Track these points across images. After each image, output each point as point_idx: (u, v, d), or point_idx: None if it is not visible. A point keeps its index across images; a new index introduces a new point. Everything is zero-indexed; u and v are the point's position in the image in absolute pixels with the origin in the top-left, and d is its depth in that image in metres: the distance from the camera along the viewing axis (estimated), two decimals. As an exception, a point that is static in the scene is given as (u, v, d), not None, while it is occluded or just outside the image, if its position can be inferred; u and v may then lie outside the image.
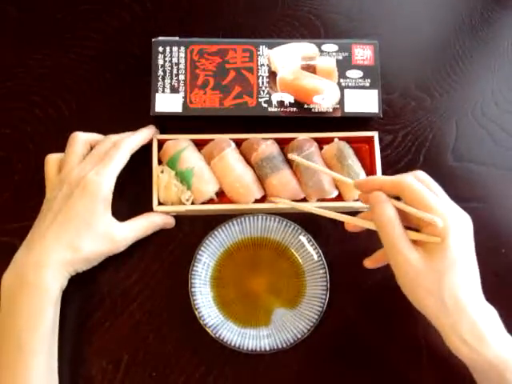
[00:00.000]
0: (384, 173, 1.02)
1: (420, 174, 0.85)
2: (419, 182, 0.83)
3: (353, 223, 0.89)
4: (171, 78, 1.01)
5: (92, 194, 0.91)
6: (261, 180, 0.98)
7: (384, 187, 0.84)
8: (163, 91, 1.01)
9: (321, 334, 0.97)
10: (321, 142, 1.03)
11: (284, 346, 0.95)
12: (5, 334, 0.87)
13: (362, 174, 1.00)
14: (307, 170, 1.00)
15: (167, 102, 1.00)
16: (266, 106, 1.01)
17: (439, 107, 1.09)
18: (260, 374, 0.97)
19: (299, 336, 0.95)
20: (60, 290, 0.91)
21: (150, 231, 0.98)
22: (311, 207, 0.93)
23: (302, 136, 1.02)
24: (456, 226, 0.80)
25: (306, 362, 0.98)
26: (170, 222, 1.00)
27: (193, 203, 0.99)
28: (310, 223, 1.00)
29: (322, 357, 0.98)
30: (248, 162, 1.01)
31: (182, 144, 1.00)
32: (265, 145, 0.96)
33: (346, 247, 1.01)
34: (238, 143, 1.02)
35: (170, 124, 1.02)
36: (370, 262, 0.94)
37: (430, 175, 1.00)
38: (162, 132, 1.02)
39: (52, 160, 0.97)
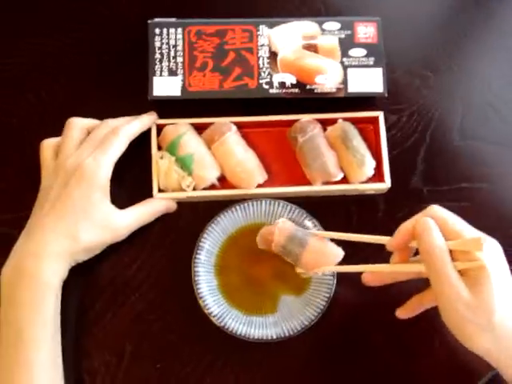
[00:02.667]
0: (390, 153, 1.00)
1: (437, 209, 0.81)
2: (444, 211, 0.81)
3: (375, 272, 0.89)
4: (169, 61, 0.99)
5: (89, 181, 0.90)
6: (296, 261, 0.93)
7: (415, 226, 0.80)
8: (161, 74, 0.99)
9: (329, 320, 0.96)
10: (324, 123, 1.01)
11: (291, 333, 0.94)
12: (5, 327, 0.85)
13: (367, 156, 0.99)
14: (311, 152, 0.98)
15: (165, 86, 0.99)
16: (267, 87, 0.99)
17: (444, 85, 1.07)
18: (267, 362, 0.96)
19: (306, 323, 0.94)
20: (60, 281, 0.90)
21: (152, 217, 0.97)
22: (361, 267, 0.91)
23: (304, 117, 1.00)
24: (491, 250, 0.77)
25: (314, 350, 0.97)
26: (172, 206, 0.99)
27: (194, 189, 0.98)
28: (314, 207, 0.99)
29: (331, 344, 0.97)
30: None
31: (181, 129, 0.98)
32: (278, 229, 0.93)
33: (352, 231, 0.99)
34: (239, 126, 1.00)
35: (168, 108, 1.00)
36: (403, 312, 0.90)
37: (437, 155, 1.01)
38: (161, 116, 1.00)
39: (48, 145, 0.95)
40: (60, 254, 0.89)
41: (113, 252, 0.96)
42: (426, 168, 1.04)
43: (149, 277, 0.98)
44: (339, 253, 0.92)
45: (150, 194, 0.98)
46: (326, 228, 0.96)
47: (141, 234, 0.98)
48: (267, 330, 0.95)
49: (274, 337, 0.94)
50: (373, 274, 0.89)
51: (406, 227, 0.82)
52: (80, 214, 0.90)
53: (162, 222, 1.00)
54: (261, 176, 0.99)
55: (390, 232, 0.86)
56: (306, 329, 0.94)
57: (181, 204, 1.00)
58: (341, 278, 0.96)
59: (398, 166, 1.02)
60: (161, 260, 0.99)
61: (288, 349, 0.96)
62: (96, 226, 0.91)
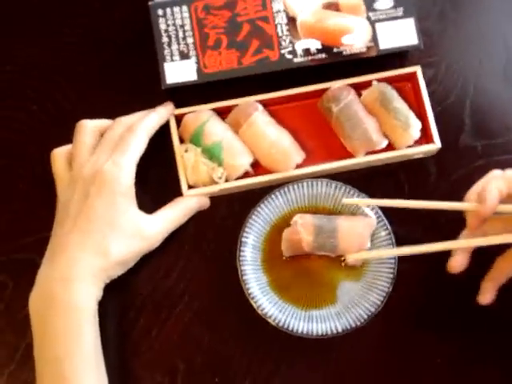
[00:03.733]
0: (434, 111, 0.91)
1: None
2: None
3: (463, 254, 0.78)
4: (178, 43, 0.90)
5: (111, 188, 0.81)
6: (334, 251, 0.87)
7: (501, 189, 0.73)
8: (172, 59, 0.89)
9: (396, 302, 0.87)
10: (358, 88, 0.92)
11: (357, 323, 0.85)
12: (43, 364, 0.77)
13: (411, 117, 0.90)
14: (349, 121, 0.89)
15: (179, 71, 0.89)
16: (290, 57, 0.90)
17: (482, 27, 0.97)
18: (335, 359, 0.87)
19: (372, 310, 0.85)
20: (96, 303, 0.81)
21: (185, 218, 0.88)
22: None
23: (336, 84, 0.91)
24: None
25: (384, 338, 0.88)
26: (205, 202, 0.90)
27: (226, 181, 0.89)
28: (361, 181, 0.90)
29: (402, 327, 0.88)
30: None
31: (203, 116, 0.89)
32: (301, 227, 0.86)
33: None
34: (266, 104, 0.91)
35: (185, 95, 0.91)
36: (486, 296, 0.80)
37: (485, 106, 0.93)
38: (178, 106, 0.91)
39: (59, 155, 0.86)
40: (91, 273, 0.80)
41: (147, 262, 0.88)
42: (475, 122, 0.94)
43: (190, 284, 0.89)
44: (371, 222, 0.86)
45: (178, 193, 0.89)
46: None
47: (175, 238, 0.89)
48: (330, 324, 0.86)
49: (339, 330, 0.85)
50: (462, 256, 0.78)
51: (493, 190, 0.73)
52: (107, 225, 0.81)
53: (196, 221, 0.91)
54: (298, 155, 0.89)
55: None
56: (372, 316, 0.85)
57: (214, 198, 0.91)
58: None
59: (444, 123, 0.93)
60: (200, 263, 0.90)
61: (357, 340, 0.87)
62: (126, 236, 0.81)
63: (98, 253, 0.80)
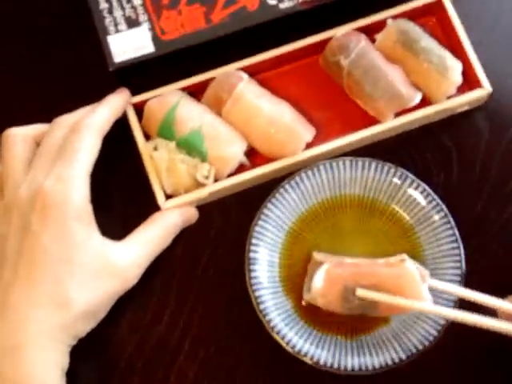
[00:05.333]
0: (474, 45, 0.69)
1: None
2: None
3: None
4: (122, 8, 0.68)
5: (59, 213, 0.60)
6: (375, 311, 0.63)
7: None
8: (117, 30, 0.68)
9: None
10: (369, 33, 0.71)
11: (424, 345, 0.62)
12: None
13: (448, 57, 0.68)
14: (367, 75, 0.68)
15: (128, 45, 0.68)
16: (274, 2, 0.68)
17: None
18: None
19: (442, 323, 0.63)
20: (61, 376, 0.60)
21: (168, 240, 0.66)
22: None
23: (340, 31, 0.70)
24: None
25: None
26: (191, 214, 0.68)
27: (216, 180, 0.66)
28: (393, 154, 0.70)
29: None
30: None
31: (170, 99, 0.67)
32: (323, 283, 0.62)
33: (455, 175, 0.70)
34: (252, 73, 0.69)
35: (141, 76, 0.70)
36: None
37: None
38: (135, 93, 0.70)
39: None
40: (48, 335, 0.59)
41: (127, 307, 0.67)
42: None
43: (189, 327, 0.67)
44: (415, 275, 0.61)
45: (154, 207, 0.67)
46: (423, 177, 0.67)
47: (159, 268, 0.68)
48: (388, 352, 0.63)
49: (403, 357, 0.62)
50: None
51: None
52: (60, 265, 0.59)
53: (184, 241, 0.69)
54: (307, 131, 0.68)
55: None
56: (440, 334, 0.63)
57: (204, 207, 0.70)
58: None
59: (490, 62, 0.71)
60: (199, 297, 0.68)
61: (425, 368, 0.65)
62: (90, 275, 0.60)
63: (53, 306, 0.59)
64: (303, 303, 0.65)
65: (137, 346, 0.66)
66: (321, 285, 0.61)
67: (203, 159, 0.66)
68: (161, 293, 0.68)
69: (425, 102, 0.69)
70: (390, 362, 0.62)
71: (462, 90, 0.70)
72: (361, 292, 0.60)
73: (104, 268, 0.60)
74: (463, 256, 0.64)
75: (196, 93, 0.70)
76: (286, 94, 0.70)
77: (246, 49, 0.70)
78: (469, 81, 0.70)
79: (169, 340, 0.66)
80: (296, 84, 0.72)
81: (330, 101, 0.71)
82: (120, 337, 0.67)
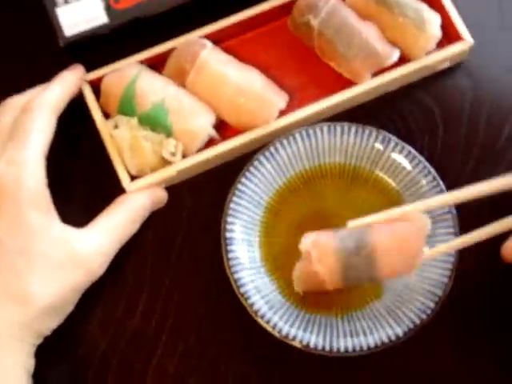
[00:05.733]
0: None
1: None
2: None
3: None
4: (70, -24, 0.62)
5: (13, 200, 0.55)
6: (375, 280, 0.58)
7: None
8: (65, 1, 0.63)
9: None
10: (339, -11, 0.65)
11: (421, 319, 0.58)
12: None
13: (424, 9, 0.64)
14: (339, 34, 0.63)
15: (79, 16, 0.63)
16: (233, -39, 0.63)
17: None
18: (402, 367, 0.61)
19: (439, 293, 0.58)
20: (27, 378, 0.54)
21: (136, 224, 0.61)
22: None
23: (307, -11, 0.64)
24: None
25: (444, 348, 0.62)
26: (160, 196, 0.63)
27: (184, 156, 0.61)
28: (374, 118, 0.66)
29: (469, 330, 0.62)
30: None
31: (129, 72, 0.63)
32: (316, 258, 0.56)
33: (449, 135, 0.66)
34: (216, 41, 0.64)
35: (96, 51, 0.65)
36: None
37: None
38: (89, 69, 0.64)
39: None
40: (8, 334, 0.53)
41: (96, 300, 0.62)
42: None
43: (166, 317, 0.61)
44: (423, 225, 0.56)
45: (119, 190, 0.61)
46: (406, 141, 0.62)
47: (129, 256, 0.63)
48: (384, 330, 0.58)
49: (400, 334, 0.57)
50: None
51: None
52: (17, 256, 0.54)
53: (155, 225, 0.64)
54: (280, 98, 0.63)
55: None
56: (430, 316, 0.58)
57: (173, 188, 0.64)
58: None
59: (470, 14, 0.66)
60: (174, 284, 0.63)
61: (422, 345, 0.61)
62: (52, 266, 0.55)
63: (12, 302, 0.54)
64: (296, 289, 0.59)
65: (110, 341, 0.61)
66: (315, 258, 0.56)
67: (168, 135, 0.61)
68: (133, 283, 0.62)
69: (403, 60, 0.65)
70: (385, 340, 0.58)
71: (441, 45, 0.65)
72: (352, 224, 0.55)
73: (66, 258, 0.55)
74: (456, 221, 0.60)
75: (157, 66, 0.65)
76: (254, 61, 0.65)
77: (208, 15, 0.65)
78: (448, 35, 0.66)
79: (145, 333, 0.61)
80: (264, 50, 0.67)
81: (301, 65, 0.67)
82: (92, 333, 0.61)
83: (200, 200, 0.64)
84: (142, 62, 0.64)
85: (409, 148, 0.61)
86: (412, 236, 0.55)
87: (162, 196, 0.63)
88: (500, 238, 0.55)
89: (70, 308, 0.57)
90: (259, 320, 0.58)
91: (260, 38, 0.67)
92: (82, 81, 0.63)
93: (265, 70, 0.65)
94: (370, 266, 0.55)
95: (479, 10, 0.69)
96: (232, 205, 0.60)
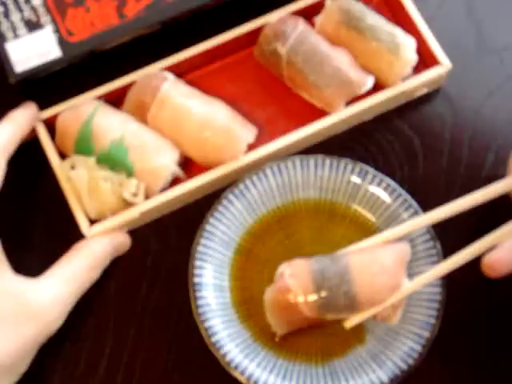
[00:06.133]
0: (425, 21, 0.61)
1: None
2: None
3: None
4: (20, 10, 0.59)
5: None
6: (353, 309, 0.53)
7: None
8: (16, 35, 0.58)
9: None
10: (307, 16, 0.63)
11: (408, 365, 0.54)
12: None
13: (398, 33, 0.60)
14: (310, 62, 0.60)
15: (31, 51, 0.58)
16: (193, -10, 0.59)
17: None
18: None
19: (424, 337, 0.54)
20: None
21: (96, 272, 0.56)
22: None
23: (274, 16, 0.61)
24: None
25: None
26: (121, 240, 0.58)
27: (146, 197, 0.57)
28: (349, 149, 0.61)
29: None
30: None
31: (85, 109, 0.58)
32: (292, 280, 0.53)
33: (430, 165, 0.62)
34: (179, 74, 0.61)
35: (49, 87, 0.62)
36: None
37: None
38: (43, 106, 0.60)
39: None
40: None
41: (54, 356, 0.56)
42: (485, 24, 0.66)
43: (132, 374, 0.57)
44: (402, 248, 0.54)
45: (78, 236, 0.55)
46: (385, 173, 0.59)
47: (90, 307, 0.58)
48: (368, 376, 0.54)
49: (385, 381, 0.53)
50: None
51: None
52: None
53: (118, 272, 0.59)
54: (247, 130, 0.59)
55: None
56: (424, 352, 0.54)
57: (137, 232, 0.60)
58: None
59: (444, 37, 0.63)
60: (140, 337, 0.57)
61: None
62: (1, 321, 0.49)
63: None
64: (268, 319, 0.55)
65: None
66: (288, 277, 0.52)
67: (129, 174, 0.57)
68: (95, 337, 0.57)
69: (378, 87, 0.61)
70: (370, 388, 0.53)
71: (418, 70, 0.62)
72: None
73: (18, 310, 0.50)
74: (441, 256, 0.56)
75: (116, 101, 0.60)
76: (219, 94, 0.62)
77: (168, 46, 0.62)
78: (425, 59, 0.62)
79: (109, 390, 0.56)
80: (230, 82, 0.64)
81: (270, 97, 0.63)
82: (49, 394, 0.56)
83: (166, 244, 0.60)
84: (99, 98, 0.60)
85: (388, 180, 0.58)
86: (392, 258, 0.53)
87: (124, 241, 0.58)
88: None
89: (24, 366, 0.52)
90: (232, 371, 0.53)
91: (225, 70, 0.64)
92: (35, 120, 0.58)
93: (231, 103, 0.61)
94: (348, 286, 0.51)
95: (456, 33, 0.66)
96: (200, 247, 0.56)
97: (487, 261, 0.50)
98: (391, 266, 0.52)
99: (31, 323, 0.51)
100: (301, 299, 0.51)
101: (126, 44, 0.61)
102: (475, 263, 0.50)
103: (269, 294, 0.54)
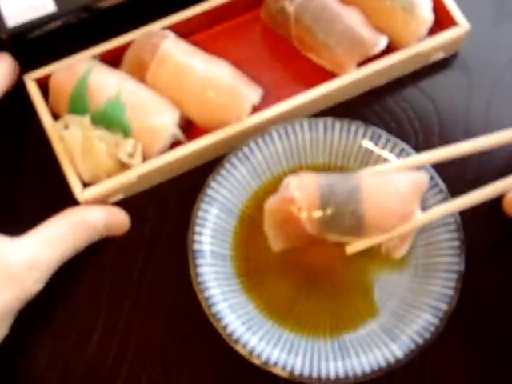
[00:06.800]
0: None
1: None
2: None
3: None
4: (14, -38, 0.55)
5: None
6: (358, 231, 0.50)
7: None
8: (8, -12, 0.55)
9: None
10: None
11: (424, 339, 0.49)
12: None
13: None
14: (319, 20, 0.57)
15: (24, 4, 0.55)
16: None
17: None
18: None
19: (440, 314, 0.50)
20: None
21: (81, 241, 0.52)
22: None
23: (280, -27, 0.58)
24: None
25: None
26: (118, 218, 0.54)
27: (144, 159, 0.53)
28: (362, 113, 0.59)
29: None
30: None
31: (81, 66, 0.55)
32: (298, 191, 0.50)
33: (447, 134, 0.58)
34: (181, 35, 0.57)
35: (42, 46, 0.58)
36: None
37: None
38: (36, 66, 0.56)
39: None
40: None
41: (43, 331, 0.53)
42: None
43: (126, 346, 0.53)
44: (420, 177, 0.51)
45: (71, 199, 0.52)
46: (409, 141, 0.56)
47: (83, 277, 0.53)
48: (380, 351, 0.50)
49: (400, 356, 0.49)
50: None
51: None
52: None
53: (114, 241, 0.55)
54: (252, 91, 0.55)
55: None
56: (441, 326, 0.50)
57: (135, 199, 0.56)
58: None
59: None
60: (136, 308, 0.54)
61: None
62: None
63: None
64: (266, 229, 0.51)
65: (60, 378, 0.52)
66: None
67: (126, 134, 0.53)
68: (88, 308, 0.54)
69: (392, 49, 0.58)
70: (383, 364, 0.49)
71: (433, 33, 0.58)
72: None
73: (-4, 269, 0.47)
74: (461, 227, 0.52)
75: (114, 64, 0.57)
76: (225, 57, 0.58)
77: (171, 5, 0.58)
78: (440, 21, 0.59)
79: (100, 367, 0.52)
80: (236, 45, 0.60)
81: (278, 60, 0.60)
82: (38, 369, 0.52)
83: (165, 211, 0.56)
84: (96, 58, 0.56)
85: (403, 144, 0.54)
86: (407, 186, 0.49)
87: (121, 221, 0.54)
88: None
89: (2, 330, 0.48)
90: (233, 344, 0.49)
91: (231, 32, 0.61)
92: (26, 79, 0.55)
93: (237, 66, 0.57)
94: (354, 203, 0.48)
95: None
96: (200, 213, 0.52)
97: (509, 197, 0.46)
98: (406, 191, 0.49)
99: (9, 285, 0.47)
100: (304, 212, 0.48)
101: (126, 4, 0.57)
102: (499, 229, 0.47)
103: (270, 202, 0.50)
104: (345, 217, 0.49)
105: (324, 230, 0.49)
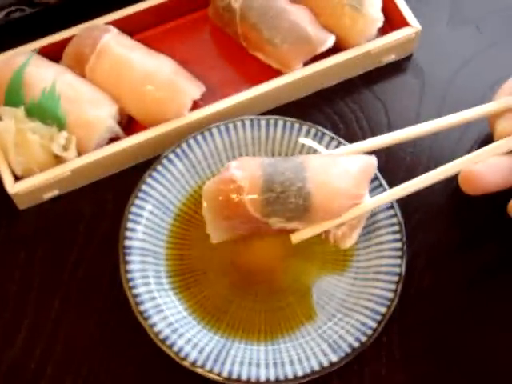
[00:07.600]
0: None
1: None
2: None
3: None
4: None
5: None
6: (304, 215, 0.48)
7: None
8: None
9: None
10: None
11: (360, 343, 0.48)
12: None
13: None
14: (265, 17, 0.56)
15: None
16: None
17: None
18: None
19: (378, 318, 0.49)
20: None
21: None
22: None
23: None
24: None
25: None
26: None
27: (80, 154, 0.52)
28: (305, 112, 0.58)
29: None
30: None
31: (18, 59, 0.54)
32: (239, 172, 0.47)
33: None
34: (126, 33, 0.56)
35: None
36: None
37: None
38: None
39: None
40: None
41: None
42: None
43: (53, 345, 0.50)
44: (369, 160, 0.49)
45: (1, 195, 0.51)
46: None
47: (12, 274, 0.52)
48: (316, 358, 0.48)
49: (334, 360, 0.47)
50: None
51: None
52: None
53: (46, 237, 0.54)
54: (194, 86, 0.54)
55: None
56: (378, 331, 0.48)
57: (71, 195, 0.55)
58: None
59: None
60: (65, 307, 0.52)
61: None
62: None
63: None
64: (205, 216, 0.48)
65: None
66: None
67: (61, 128, 0.52)
68: (15, 306, 0.52)
69: (341, 49, 0.56)
70: (316, 368, 0.47)
71: (385, 34, 0.57)
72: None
73: None
74: (403, 228, 0.50)
75: (57, 57, 0.56)
76: (171, 55, 0.57)
77: (120, 2, 0.57)
78: (392, 22, 0.58)
79: (25, 365, 0.50)
80: (183, 43, 0.60)
81: (225, 60, 0.60)
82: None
83: (101, 209, 0.54)
84: (35, 51, 0.55)
85: (347, 144, 0.52)
86: (356, 166, 0.48)
87: None
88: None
89: None
90: (160, 343, 0.47)
91: (178, 31, 0.60)
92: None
93: (183, 64, 0.56)
94: (300, 181, 0.46)
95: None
96: (134, 209, 0.51)
97: (465, 172, 0.45)
98: (354, 172, 0.47)
99: None
100: (246, 193, 0.46)
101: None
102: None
103: (209, 185, 0.48)
104: (290, 197, 0.46)
105: (268, 213, 0.46)
